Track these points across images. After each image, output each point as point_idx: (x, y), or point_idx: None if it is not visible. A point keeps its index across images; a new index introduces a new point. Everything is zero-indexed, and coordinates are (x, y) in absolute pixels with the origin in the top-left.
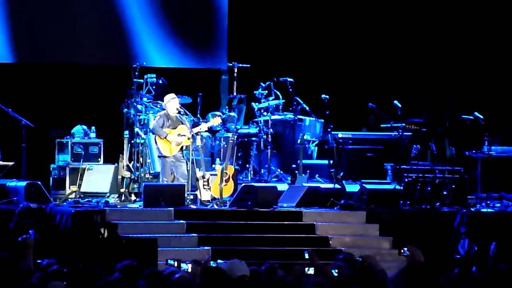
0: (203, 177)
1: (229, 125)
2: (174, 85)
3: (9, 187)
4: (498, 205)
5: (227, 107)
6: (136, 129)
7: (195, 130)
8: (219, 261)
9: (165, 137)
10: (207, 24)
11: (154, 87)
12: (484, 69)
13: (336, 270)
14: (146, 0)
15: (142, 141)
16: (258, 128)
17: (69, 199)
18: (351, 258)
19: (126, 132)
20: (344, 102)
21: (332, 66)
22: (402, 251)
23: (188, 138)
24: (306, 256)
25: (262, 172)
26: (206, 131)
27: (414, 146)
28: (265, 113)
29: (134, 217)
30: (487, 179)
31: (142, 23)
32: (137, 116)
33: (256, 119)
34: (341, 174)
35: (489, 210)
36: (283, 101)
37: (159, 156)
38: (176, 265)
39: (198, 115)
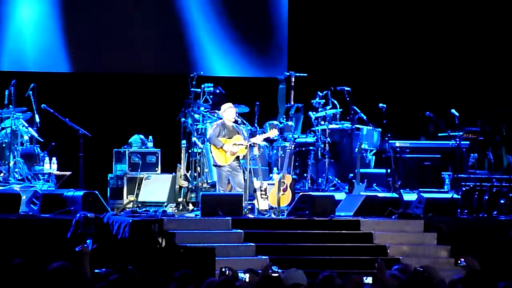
0: (261, 187)
1: (286, 134)
2: (231, 94)
3: (66, 197)
4: None
5: (284, 116)
6: (194, 139)
7: (252, 140)
8: (275, 269)
9: (221, 147)
10: (266, 33)
11: (211, 96)
12: None
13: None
14: (204, 9)
15: (200, 150)
16: (315, 137)
17: (127, 209)
18: (407, 269)
19: (184, 141)
20: (402, 111)
21: (390, 74)
22: (459, 261)
23: (245, 147)
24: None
25: (320, 181)
26: (263, 140)
27: (472, 155)
28: (322, 122)
29: (192, 226)
30: None
31: (199, 32)
32: (195, 126)
33: (314, 128)
34: (399, 183)
35: None
36: (341, 110)
37: (214, 165)
38: (230, 274)
39: (255, 124)
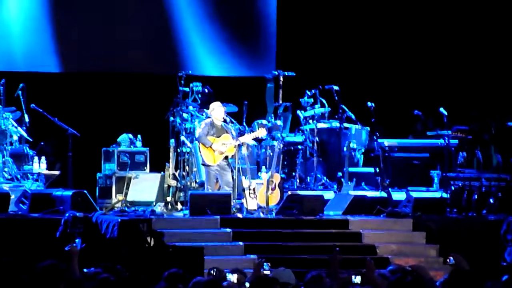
0: (249, 186)
1: (275, 133)
2: (220, 93)
3: (55, 196)
4: None
5: (272, 115)
6: (182, 138)
7: (241, 139)
8: (266, 267)
9: (210, 146)
10: (254, 32)
11: (199, 95)
12: None
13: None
14: (193, 8)
15: (188, 149)
16: (304, 136)
17: (115, 208)
18: (402, 269)
19: (172, 140)
20: (390, 110)
21: (378, 73)
22: (447, 260)
23: (234, 147)
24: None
25: (308, 180)
26: (251, 140)
27: (461, 153)
28: (310, 121)
29: (181, 225)
30: None
31: (188, 31)
32: (183, 125)
33: (302, 127)
34: (387, 182)
35: None
36: (329, 109)
37: (202, 164)
38: (217, 274)
39: (244, 124)
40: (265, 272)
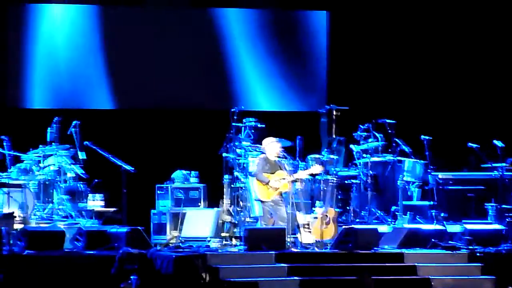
0: (304, 221)
1: (329, 167)
2: (273, 128)
3: (110, 233)
4: None
5: (327, 149)
6: (236, 173)
7: (296, 176)
8: None
9: (267, 183)
10: (306, 67)
11: (253, 130)
12: None
13: None
14: (245, 45)
15: (242, 185)
16: (358, 170)
17: (170, 244)
18: None
19: (226, 176)
20: (444, 143)
21: (431, 106)
22: None
23: (288, 182)
24: None
25: (363, 214)
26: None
27: None
28: (364, 155)
29: (236, 261)
30: None
31: (240, 67)
32: (237, 160)
33: (356, 161)
34: (442, 215)
35: None
36: (383, 143)
37: (256, 200)
38: None
39: (298, 158)
40: None
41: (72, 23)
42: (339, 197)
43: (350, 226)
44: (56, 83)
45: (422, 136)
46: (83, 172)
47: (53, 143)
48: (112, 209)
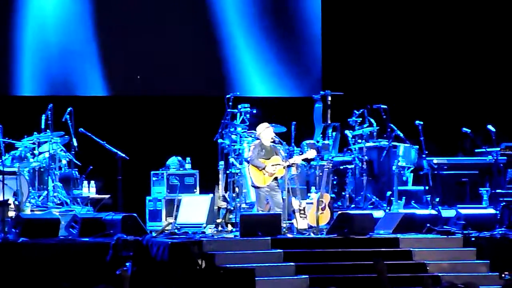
0: (299, 207)
1: (324, 153)
2: (268, 114)
3: (105, 220)
4: None
5: (321, 135)
6: (231, 159)
7: (290, 161)
8: None
9: (263, 169)
10: (301, 52)
11: (248, 116)
12: None
13: None
14: (239, 31)
15: (237, 171)
16: (352, 155)
17: (166, 231)
18: (453, 286)
19: (221, 162)
20: (438, 128)
21: (425, 91)
22: (503, 275)
23: (284, 168)
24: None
25: (358, 199)
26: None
27: (509, 170)
28: (359, 141)
29: (231, 247)
30: None
31: (235, 53)
32: (232, 146)
33: (351, 147)
34: (437, 200)
35: None
36: (377, 128)
37: (252, 186)
38: None
39: (292, 144)
40: None
41: (63, 7)
42: (334, 182)
43: (345, 211)
44: (48, 70)
45: (416, 121)
46: (76, 159)
47: (47, 130)
48: (106, 196)
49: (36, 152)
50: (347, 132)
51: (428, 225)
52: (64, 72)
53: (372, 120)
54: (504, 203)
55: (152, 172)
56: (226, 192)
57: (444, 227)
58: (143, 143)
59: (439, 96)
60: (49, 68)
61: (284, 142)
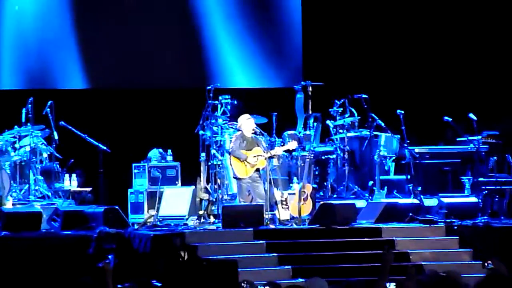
0: (282, 197)
1: (305, 143)
2: (249, 105)
3: (87, 213)
4: None
5: (302, 126)
6: (213, 151)
7: (272, 152)
8: (299, 279)
9: (245, 159)
10: (281, 43)
11: (229, 108)
12: None
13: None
14: (219, 22)
15: (219, 162)
16: (334, 146)
17: (148, 223)
18: (436, 274)
19: (203, 154)
20: (420, 117)
21: (406, 80)
22: (486, 264)
23: (265, 159)
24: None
25: (340, 189)
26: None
27: (491, 158)
28: (340, 131)
29: (214, 239)
30: None
31: (215, 44)
32: (213, 138)
33: (332, 137)
34: (419, 189)
35: None
36: (359, 118)
37: (234, 177)
38: (247, 287)
39: (274, 135)
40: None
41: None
42: (316, 173)
43: (328, 201)
44: (27, 63)
45: (398, 111)
46: (57, 152)
47: (28, 124)
48: (88, 189)
49: (17, 145)
50: (328, 122)
51: (410, 214)
52: (44, 66)
53: (353, 110)
54: (486, 192)
55: (133, 165)
56: (208, 184)
57: (427, 216)
58: (124, 136)
59: (420, 85)
60: (28, 61)
61: (266, 133)
